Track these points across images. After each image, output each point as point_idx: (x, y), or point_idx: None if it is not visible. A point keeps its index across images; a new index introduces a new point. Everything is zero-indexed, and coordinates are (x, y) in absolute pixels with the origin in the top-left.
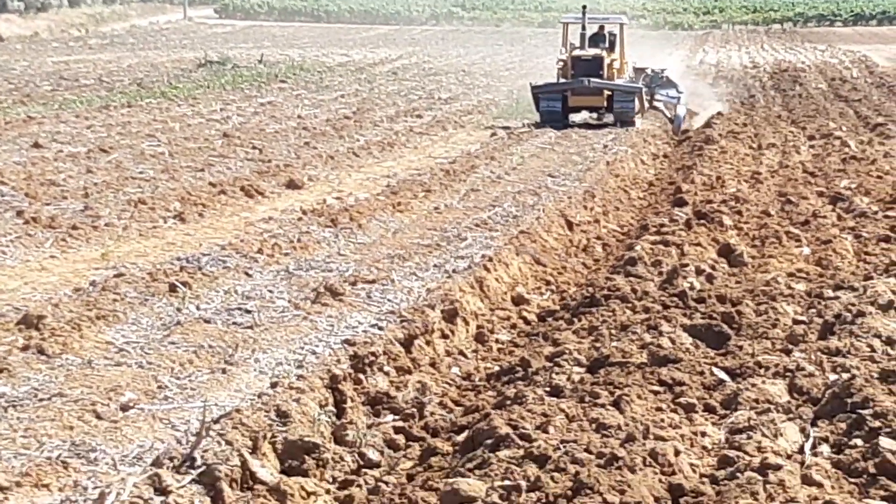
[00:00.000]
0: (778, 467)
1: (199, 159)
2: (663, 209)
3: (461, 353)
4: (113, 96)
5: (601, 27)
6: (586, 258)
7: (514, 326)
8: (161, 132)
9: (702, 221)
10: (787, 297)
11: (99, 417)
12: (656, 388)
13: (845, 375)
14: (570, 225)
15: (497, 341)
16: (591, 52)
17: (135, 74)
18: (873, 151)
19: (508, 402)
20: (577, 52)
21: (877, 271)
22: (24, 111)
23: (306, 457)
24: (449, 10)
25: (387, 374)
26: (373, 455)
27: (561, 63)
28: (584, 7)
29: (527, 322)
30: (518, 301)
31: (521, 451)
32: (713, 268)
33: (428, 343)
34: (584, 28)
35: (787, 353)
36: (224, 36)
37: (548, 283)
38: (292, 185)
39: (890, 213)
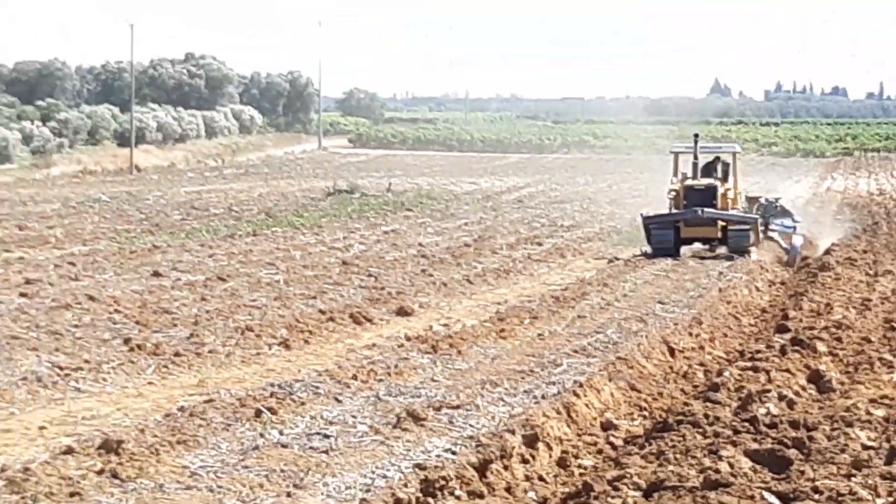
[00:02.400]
0: None
1: (313, 287)
2: (767, 336)
3: (541, 477)
4: (240, 225)
5: (716, 157)
6: (685, 384)
7: (599, 452)
8: (281, 260)
9: (796, 348)
10: (863, 423)
11: None
12: None
13: (889, 500)
14: (671, 351)
15: (580, 466)
16: (704, 181)
17: (264, 203)
18: None
19: None
20: (689, 182)
21: None
22: (151, 240)
23: None
24: (580, 139)
25: (458, 498)
26: None
27: (673, 193)
28: (696, 136)
29: (614, 447)
30: (607, 426)
31: None
32: (797, 394)
33: (506, 468)
34: (696, 157)
35: (849, 478)
36: (357, 165)
37: (641, 408)
38: (402, 312)
39: None
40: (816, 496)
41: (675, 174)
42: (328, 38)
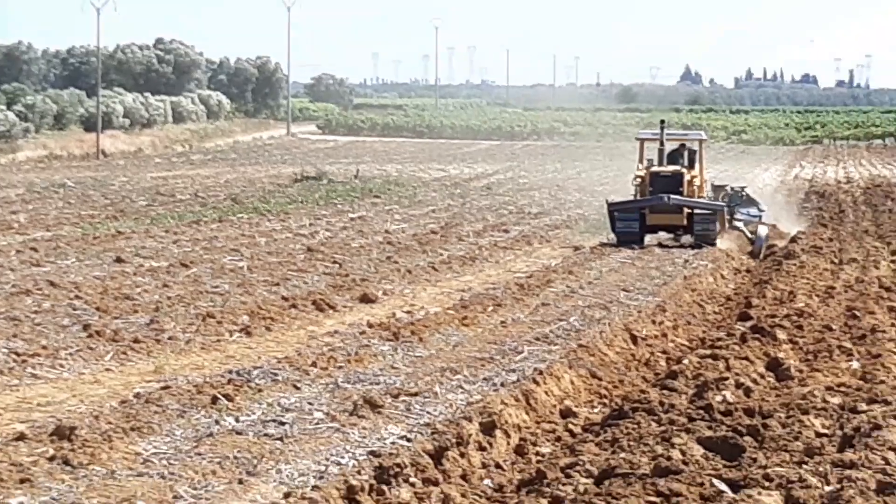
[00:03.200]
0: None
1: (277, 273)
2: (730, 324)
3: (497, 465)
4: (206, 211)
5: (682, 144)
6: (647, 372)
7: (557, 439)
8: (246, 247)
9: (757, 336)
10: (819, 410)
11: None
12: (653, 498)
13: (838, 486)
14: (634, 339)
15: (538, 454)
16: (671, 168)
17: (231, 189)
18: None
19: None
20: (655, 169)
21: None
22: (115, 226)
23: None
24: (551, 126)
25: (412, 485)
26: None
27: (638, 180)
28: (663, 122)
29: (572, 435)
30: (566, 414)
31: None
32: (755, 381)
33: (462, 455)
34: (662, 144)
35: (801, 465)
36: (325, 151)
37: (601, 396)
38: (365, 299)
39: None
40: (766, 483)
41: (641, 161)
42: (297, 22)
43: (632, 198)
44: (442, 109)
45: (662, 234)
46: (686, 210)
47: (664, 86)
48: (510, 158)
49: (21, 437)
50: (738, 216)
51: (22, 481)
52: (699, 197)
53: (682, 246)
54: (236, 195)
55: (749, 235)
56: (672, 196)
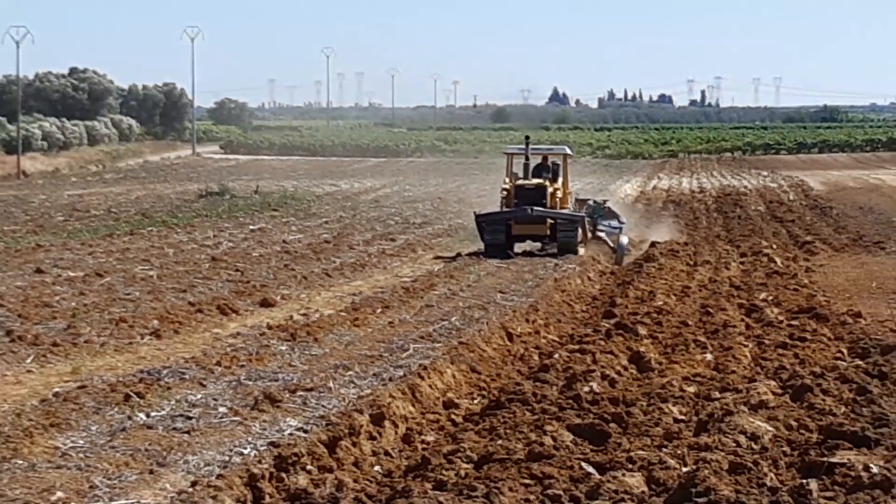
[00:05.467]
0: None
1: (184, 281)
2: (595, 321)
3: (386, 452)
4: (118, 225)
5: (545, 158)
6: (522, 366)
7: (441, 428)
8: (156, 257)
9: (620, 331)
10: (677, 398)
11: None
12: (528, 481)
13: (694, 467)
14: (510, 336)
15: (423, 442)
16: (535, 181)
17: (141, 205)
18: (797, 267)
19: (397, 496)
20: (520, 182)
21: (767, 374)
22: (35, 240)
23: None
24: (432, 143)
25: (309, 472)
26: None
27: (504, 192)
28: (528, 138)
29: (455, 424)
30: (448, 405)
31: None
32: (619, 373)
33: (354, 444)
34: (527, 158)
35: (661, 448)
36: (227, 169)
37: (480, 388)
38: (265, 303)
39: (794, 321)
40: (630, 465)
41: (509, 175)
42: (200, 52)
43: (499, 209)
44: (333, 130)
45: (530, 243)
46: (549, 220)
47: (535, 106)
48: (396, 174)
49: None
50: (600, 228)
51: None
52: (562, 208)
53: (547, 254)
54: (146, 210)
55: (611, 245)
56: (535, 207)
